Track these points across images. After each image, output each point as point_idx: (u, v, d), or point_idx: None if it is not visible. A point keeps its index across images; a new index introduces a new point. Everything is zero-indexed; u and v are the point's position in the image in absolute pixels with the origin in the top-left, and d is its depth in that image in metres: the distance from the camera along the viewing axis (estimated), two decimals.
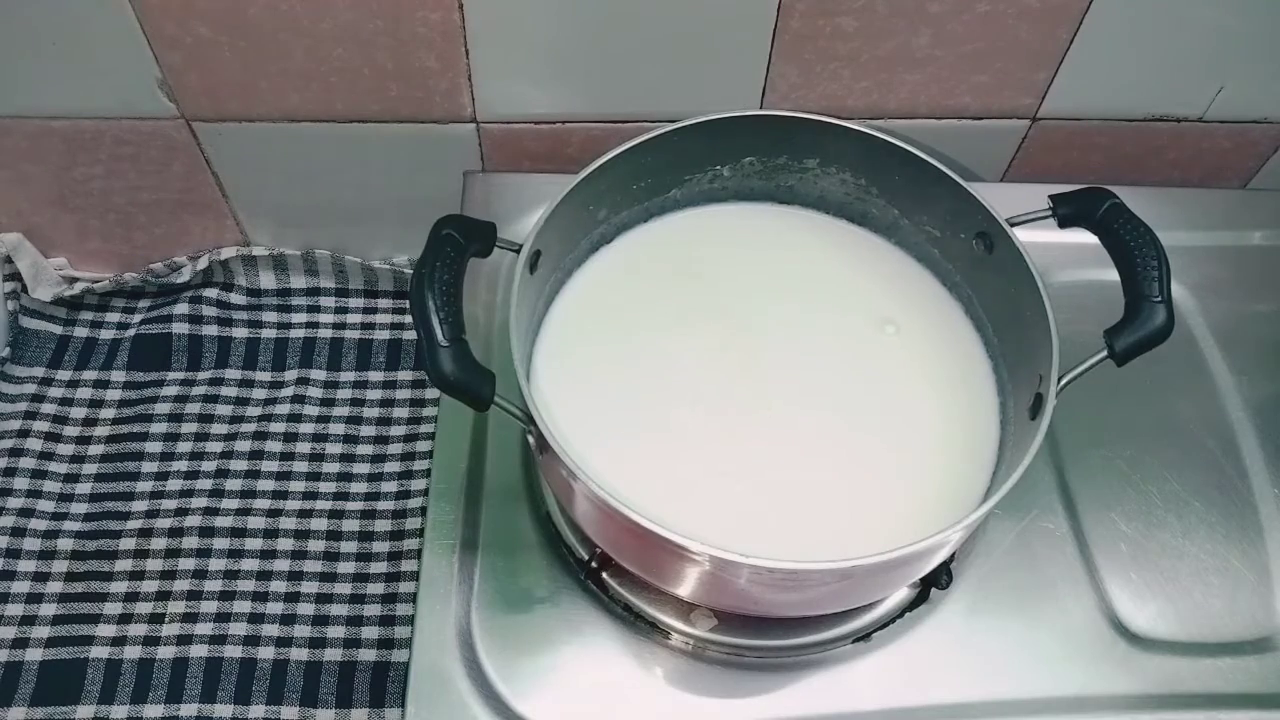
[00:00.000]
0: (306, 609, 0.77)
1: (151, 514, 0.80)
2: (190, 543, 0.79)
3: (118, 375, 0.86)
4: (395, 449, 0.84)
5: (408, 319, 0.90)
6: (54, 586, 0.77)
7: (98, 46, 0.69)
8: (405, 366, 0.88)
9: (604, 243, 0.61)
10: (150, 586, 0.77)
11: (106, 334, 0.88)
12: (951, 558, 0.57)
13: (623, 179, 0.57)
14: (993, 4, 0.66)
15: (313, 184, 0.82)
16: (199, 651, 0.75)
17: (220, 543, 0.79)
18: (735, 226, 0.63)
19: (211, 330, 0.88)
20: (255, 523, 0.80)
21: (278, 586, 0.78)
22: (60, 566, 0.78)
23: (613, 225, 0.60)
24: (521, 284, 0.51)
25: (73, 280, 0.89)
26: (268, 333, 0.89)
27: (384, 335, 0.89)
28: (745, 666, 0.56)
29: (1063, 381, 0.49)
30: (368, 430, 0.85)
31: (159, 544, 0.79)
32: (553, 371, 0.56)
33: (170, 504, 0.80)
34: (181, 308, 0.88)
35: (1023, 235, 0.53)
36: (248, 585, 0.77)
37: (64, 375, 0.86)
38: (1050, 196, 0.54)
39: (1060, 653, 0.57)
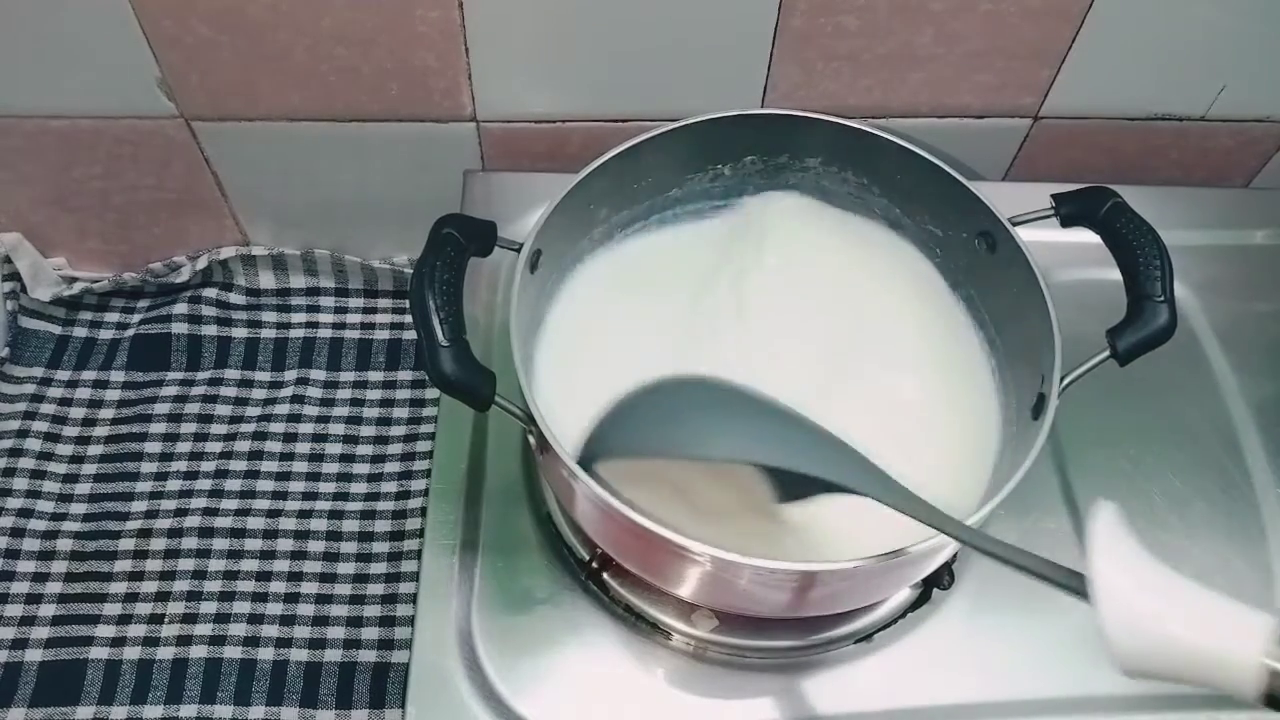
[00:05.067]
0: (306, 609, 0.77)
1: (151, 514, 0.80)
2: (190, 543, 0.78)
3: (117, 375, 0.86)
4: (395, 449, 0.84)
5: (407, 319, 0.90)
6: (53, 587, 0.77)
7: (96, 45, 0.69)
8: (405, 366, 0.88)
9: (604, 242, 0.60)
10: (150, 587, 0.77)
11: (105, 334, 0.88)
12: (953, 558, 0.57)
13: (623, 178, 0.57)
14: (995, 3, 0.66)
15: (312, 183, 0.82)
16: (198, 652, 0.74)
17: (220, 543, 0.79)
18: (735, 226, 0.62)
19: (211, 330, 0.88)
20: (255, 523, 0.80)
21: (277, 587, 0.77)
22: (59, 567, 0.77)
23: (613, 225, 0.60)
24: (522, 283, 0.50)
25: (72, 280, 0.89)
26: (267, 332, 0.88)
27: (384, 335, 0.89)
28: (746, 667, 0.56)
29: (1065, 381, 0.49)
30: (367, 430, 0.85)
31: (158, 544, 0.79)
32: (553, 371, 0.55)
33: (169, 504, 0.80)
34: (181, 307, 0.88)
35: (1025, 234, 0.53)
36: (247, 586, 0.77)
37: (63, 375, 0.86)
38: (1052, 195, 0.54)
39: (1062, 653, 0.57)
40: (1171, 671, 0.33)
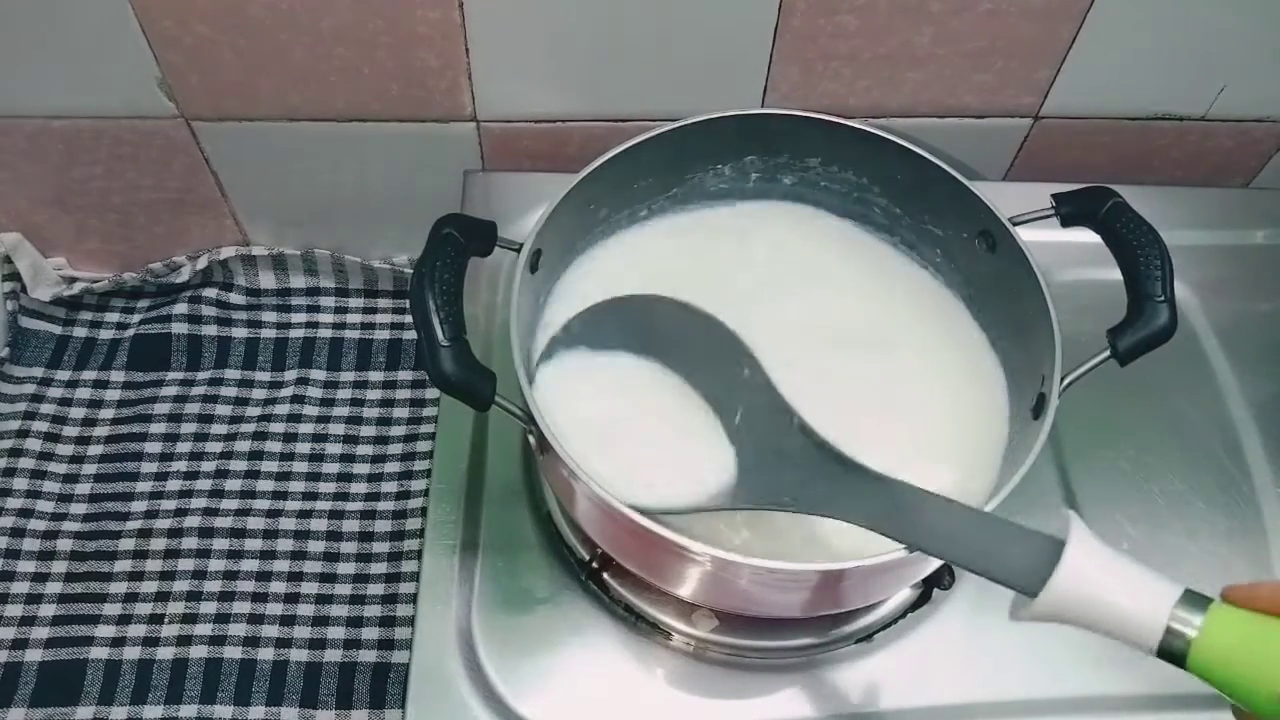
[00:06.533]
0: (306, 609, 0.77)
1: (151, 514, 0.80)
2: (190, 543, 0.78)
3: (117, 375, 0.86)
4: (395, 449, 0.84)
5: (408, 319, 0.90)
6: (53, 587, 0.77)
7: (97, 46, 0.69)
8: (405, 366, 0.88)
9: (604, 241, 0.60)
10: (150, 587, 0.77)
11: (106, 334, 0.88)
12: None
13: (623, 178, 0.57)
14: (995, 2, 0.66)
15: (313, 183, 0.82)
16: (198, 652, 0.74)
17: (220, 543, 0.79)
18: (736, 226, 0.62)
19: (211, 330, 0.88)
20: (255, 523, 0.80)
21: (277, 587, 0.77)
22: (59, 567, 0.77)
23: (613, 224, 0.60)
24: (522, 283, 0.50)
25: (72, 280, 0.89)
26: (267, 333, 0.88)
27: (384, 335, 0.89)
28: (746, 667, 0.56)
29: (1065, 381, 0.49)
30: (368, 430, 0.85)
31: (158, 544, 0.79)
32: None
33: (169, 504, 0.80)
34: (181, 308, 0.88)
35: (1025, 234, 0.53)
36: (247, 586, 0.77)
37: (63, 375, 0.86)
38: (1053, 195, 0.54)
39: (1062, 653, 0.57)
40: (1087, 621, 0.39)
